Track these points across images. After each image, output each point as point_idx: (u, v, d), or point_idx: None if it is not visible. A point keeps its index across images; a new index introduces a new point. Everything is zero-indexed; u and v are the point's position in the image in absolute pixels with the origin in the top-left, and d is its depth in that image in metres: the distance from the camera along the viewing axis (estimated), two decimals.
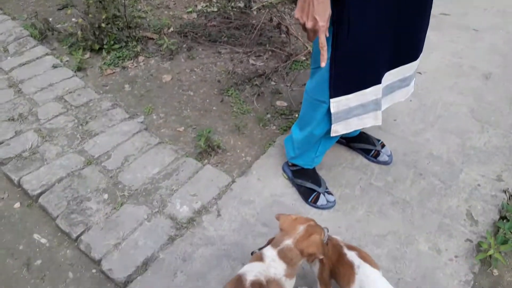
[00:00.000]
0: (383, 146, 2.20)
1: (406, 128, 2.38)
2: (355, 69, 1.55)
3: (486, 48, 2.99)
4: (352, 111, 1.66)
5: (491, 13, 3.40)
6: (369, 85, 1.61)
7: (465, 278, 1.71)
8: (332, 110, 1.63)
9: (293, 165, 2.05)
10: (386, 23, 1.48)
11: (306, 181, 2.02)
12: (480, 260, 1.77)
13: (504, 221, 1.88)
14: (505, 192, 2.04)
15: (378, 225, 1.92)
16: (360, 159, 2.21)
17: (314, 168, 2.05)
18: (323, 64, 1.39)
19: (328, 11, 1.30)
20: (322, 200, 1.98)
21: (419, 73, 2.75)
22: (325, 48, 1.36)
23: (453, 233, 1.88)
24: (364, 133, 2.23)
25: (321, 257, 1.34)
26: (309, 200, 1.99)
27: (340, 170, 2.17)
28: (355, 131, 2.11)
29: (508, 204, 1.96)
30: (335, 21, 1.41)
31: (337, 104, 1.61)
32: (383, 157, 2.17)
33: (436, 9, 3.37)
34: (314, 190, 2.00)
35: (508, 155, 2.22)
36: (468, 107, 2.50)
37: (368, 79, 1.61)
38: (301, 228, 1.36)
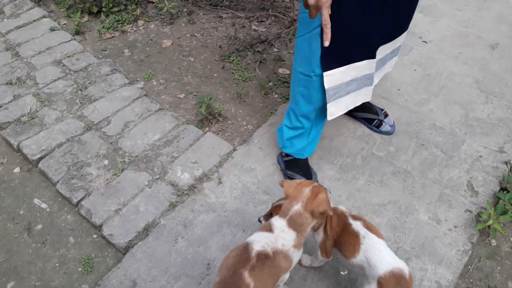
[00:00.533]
0: (386, 115, 2.18)
1: (409, 98, 2.35)
2: (348, 42, 1.49)
3: (494, 17, 2.93)
4: (345, 87, 1.61)
5: None
6: (362, 58, 1.56)
7: (463, 248, 1.73)
8: (326, 86, 1.56)
9: (287, 155, 1.99)
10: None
11: (297, 173, 1.94)
12: (479, 230, 1.79)
13: (505, 192, 1.89)
14: (506, 163, 2.04)
15: (378, 194, 1.93)
16: (363, 129, 2.20)
17: (306, 159, 1.99)
18: (327, 43, 1.31)
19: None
20: None
21: (425, 42, 2.70)
22: (329, 25, 1.28)
23: (453, 203, 1.89)
24: (367, 102, 2.20)
25: (331, 213, 1.33)
26: None
27: (342, 139, 2.16)
28: None
29: (509, 175, 1.97)
30: None
31: (330, 78, 1.55)
32: (385, 127, 2.15)
33: None
34: None
35: (511, 126, 2.20)
36: (473, 77, 2.46)
37: (362, 52, 1.56)
38: (307, 190, 1.35)
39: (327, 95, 1.60)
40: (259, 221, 1.57)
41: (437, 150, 2.09)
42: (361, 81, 1.64)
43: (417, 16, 2.90)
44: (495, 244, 1.78)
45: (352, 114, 2.22)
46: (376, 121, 2.16)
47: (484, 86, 2.40)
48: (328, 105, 1.64)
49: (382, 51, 1.66)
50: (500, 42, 2.70)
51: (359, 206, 1.89)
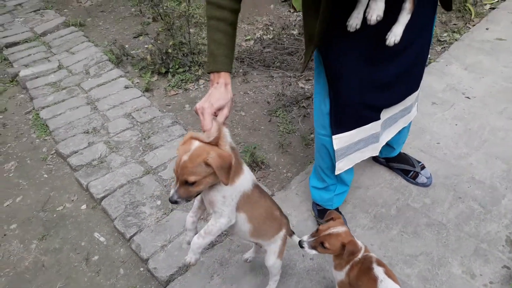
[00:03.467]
0: (423, 168, 2.22)
1: (449, 152, 2.37)
2: (352, 112, 1.64)
3: None
4: (354, 146, 1.74)
5: None
6: (368, 122, 1.69)
7: None
8: (335, 147, 1.70)
9: (318, 204, 2.09)
10: (376, 71, 1.55)
11: None
12: None
13: None
14: None
15: (411, 245, 1.94)
16: (399, 180, 2.25)
17: (337, 209, 2.07)
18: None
19: (224, 101, 1.42)
20: None
21: (468, 97, 2.73)
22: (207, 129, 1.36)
23: (490, 258, 1.85)
24: (404, 153, 2.27)
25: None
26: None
27: (378, 189, 2.22)
28: (395, 151, 2.17)
29: None
30: (328, 76, 1.54)
31: (339, 140, 1.69)
32: (421, 178, 2.18)
33: (492, 34, 3.36)
34: None
35: None
36: None
37: (367, 118, 1.69)
38: None
39: (336, 155, 1.73)
40: (301, 246, 1.61)
41: (475, 204, 2.07)
42: (368, 139, 1.76)
43: (461, 73, 2.97)
44: None
45: (389, 164, 2.29)
46: (412, 172, 2.20)
47: None
48: (336, 163, 1.76)
49: (389, 111, 1.76)
50: None
51: (390, 255, 1.91)
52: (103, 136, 2.83)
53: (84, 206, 2.39)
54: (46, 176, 2.62)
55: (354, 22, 1.35)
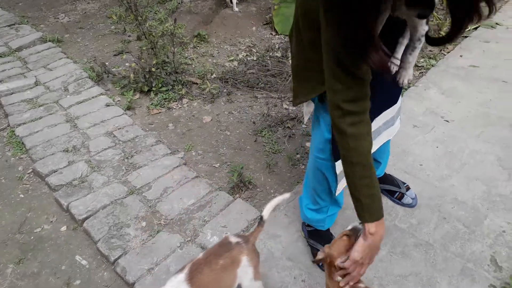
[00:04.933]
0: (408, 189, 2.27)
1: (431, 173, 2.44)
2: None
3: None
4: None
5: None
6: None
7: None
8: (337, 171, 1.72)
9: (308, 225, 2.08)
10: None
11: (319, 243, 2.00)
12: None
13: None
14: None
15: (400, 265, 1.97)
16: (385, 201, 2.29)
17: (328, 230, 2.07)
18: None
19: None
20: None
21: (447, 121, 2.84)
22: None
23: (476, 278, 1.89)
24: (389, 175, 2.31)
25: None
26: (321, 264, 1.94)
27: None
28: (380, 171, 2.22)
29: None
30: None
31: (338, 166, 1.71)
32: (407, 199, 2.23)
33: (465, 61, 3.53)
34: None
35: None
36: (495, 155, 2.53)
37: None
38: None
39: (338, 178, 1.75)
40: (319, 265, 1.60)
41: (459, 224, 2.13)
42: None
43: (439, 97, 3.10)
44: None
45: None
46: (398, 193, 2.25)
47: (507, 164, 2.46)
48: (338, 185, 1.78)
49: (374, 125, 1.76)
50: None
51: (381, 276, 1.93)
52: (84, 155, 2.76)
53: (64, 228, 2.30)
54: (23, 196, 2.51)
55: None
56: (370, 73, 1.22)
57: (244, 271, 1.57)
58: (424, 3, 1.00)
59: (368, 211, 1.34)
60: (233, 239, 1.61)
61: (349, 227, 1.46)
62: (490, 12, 0.96)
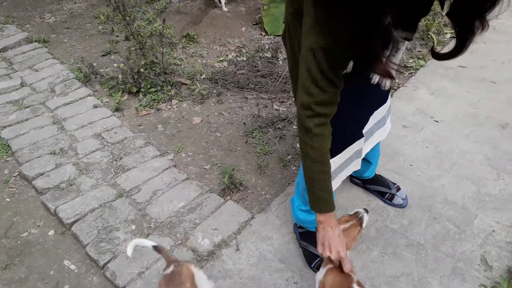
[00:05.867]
0: (398, 189, 2.27)
1: (421, 173, 2.45)
2: (346, 137, 1.70)
3: (503, 99, 3.07)
4: (343, 166, 1.79)
5: (509, 67, 3.49)
6: (354, 140, 1.76)
7: None
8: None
9: (300, 226, 2.08)
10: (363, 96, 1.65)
11: (311, 245, 1.99)
12: None
13: None
14: None
15: (391, 266, 1.97)
16: (377, 201, 2.29)
17: None
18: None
19: (344, 242, 1.48)
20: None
21: (436, 121, 2.85)
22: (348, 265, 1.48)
23: (467, 277, 1.90)
24: (380, 175, 2.32)
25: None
26: (312, 265, 1.98)
27: None
28: (371, 172, 2.22)
29: None
30: None
31: (333, 164, 1.70)
32: (397, 200, 2.24)
33: (454, 62, 3.52)
34: (317, 256, 1.96)
35: None
36: (484, 155, 2.56)
37: (353, 137, 1.75)
38: None
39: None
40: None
41: (450, 224, 2.14)
42: (353, 156, 1.80)
43: (428, 97, 3.11)
44: None
45: (366, 186, 2.33)
46: (388, 194, 2.25)
47: (496, 164, 2.48)
48: None
49: (367, 125, 1.82)
50: (510, 122, 2.80)
51: (372, 277, 1.93)
52: (72, 157, 2.71)
53: (51, 232, 2.26)
54: (9, 200, 2.46)
55: None
56: (343, 81, 1.30)
57: None
58: (407, 30, 1.05)
59: (321, 202, 1.47)
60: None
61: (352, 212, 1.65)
62: (483, 29, 0.96)
